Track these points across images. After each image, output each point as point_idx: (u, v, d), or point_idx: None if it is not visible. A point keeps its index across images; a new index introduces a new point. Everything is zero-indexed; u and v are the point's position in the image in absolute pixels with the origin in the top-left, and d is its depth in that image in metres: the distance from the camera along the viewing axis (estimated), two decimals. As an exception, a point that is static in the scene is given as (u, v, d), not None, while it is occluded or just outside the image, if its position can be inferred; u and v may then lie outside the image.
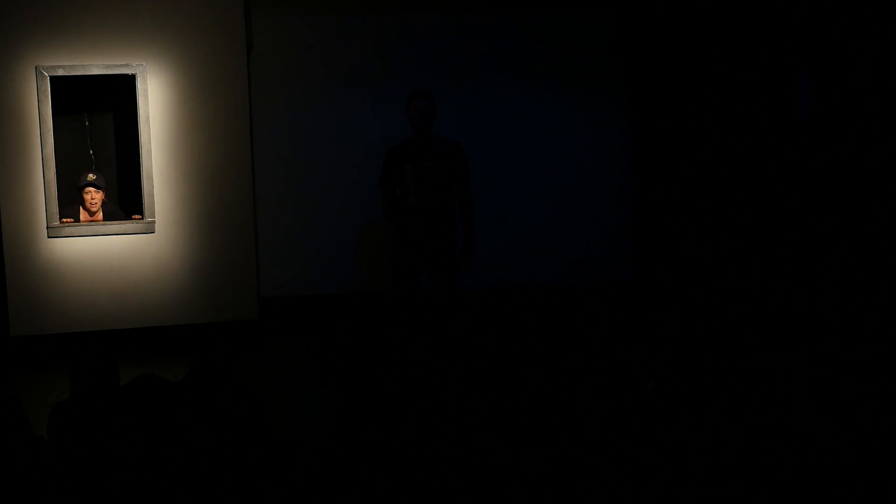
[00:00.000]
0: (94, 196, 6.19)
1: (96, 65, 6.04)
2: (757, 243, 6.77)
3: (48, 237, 6.08)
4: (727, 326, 6.27)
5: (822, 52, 6.27)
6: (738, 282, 6.77)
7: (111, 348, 3.57)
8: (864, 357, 5.32)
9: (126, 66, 6.08)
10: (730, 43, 6.85)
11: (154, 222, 6.22)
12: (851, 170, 6.13)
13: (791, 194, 6.61)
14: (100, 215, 6.24)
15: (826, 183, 6.34)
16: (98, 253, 6.18)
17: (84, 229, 6.14)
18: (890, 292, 5.73)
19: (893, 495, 3.63)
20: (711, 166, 7.08)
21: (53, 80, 5.98)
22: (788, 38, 6.46)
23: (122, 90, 6.19)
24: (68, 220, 6.16)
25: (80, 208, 6.24)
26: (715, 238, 7.01)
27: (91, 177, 6.21)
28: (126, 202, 6.66)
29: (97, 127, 6.73)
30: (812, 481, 3.73)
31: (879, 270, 5.84)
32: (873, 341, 5.50)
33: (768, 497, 3.61)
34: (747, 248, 6.81)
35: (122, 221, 6.25)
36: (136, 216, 6.25)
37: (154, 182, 6.19)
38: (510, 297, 7.30)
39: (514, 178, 7.40)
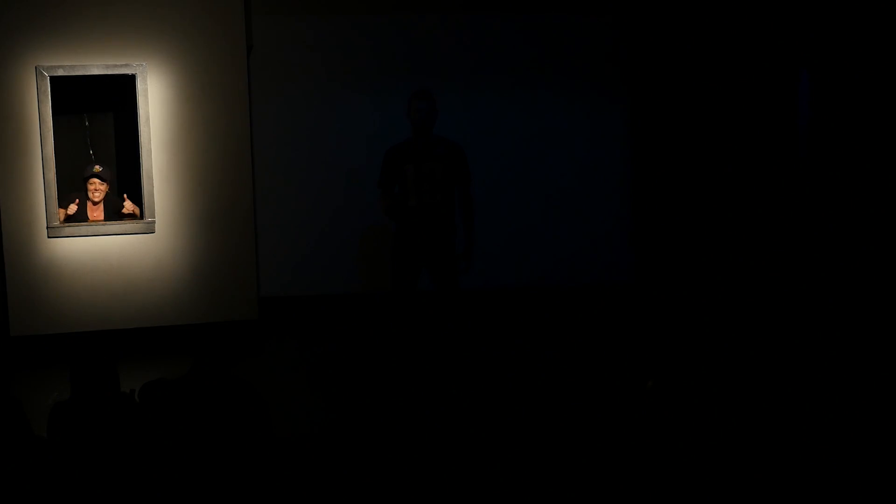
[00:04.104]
0: (97, 187, 6.19)
1: (96, 65, 6.04)
2: (757, 243, 6.77)
3: (48, 237, 6.08)
4: (727, 326, 6.27)
5: (822, 52, 6.27)
6: (738, 281, 6.77)
7: (111, 348, 3.57)
8: (863, 357, 5.32)
9: (126, 66, 6.08)
10: (730, 43, 6.85)
11: (154, 222, 6.22)
12: (851, 170, 6.13)
13: (791, 194, 6.61)
14: (101, 208, 6.23)
15: (826, 183, 6.34)
16: (98, 253, 6.18)
17: (84, 229, 6.14)
18: (890, 291, 5.73)
19: (893, 495, 3.64)
20: (711, 166, 7.08)
21: (53, 80, 5.98)
22: (788, 38, 6.47)
23: (122, 90, 6.19)
24: (69, 207, 6.10)
25: (85, 198, 6.22)
26: (715, 238, 7.02)
27: (97, 168, 6.20)
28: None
29: (97, 127, 6.73)
30: (811, 481, 3.73)
31: (879, 270, 5.84)
32: (874, 341, 5.50)
33: (767, 496, 3.61)
34: (747, 248, 6.81)
35: (123, 221, 6.24)
36: (132, 206, 6.22)
37: (154, 182, 6.19)
38: (510, 297, 7.29)
39: (514, 178, 7.38)
